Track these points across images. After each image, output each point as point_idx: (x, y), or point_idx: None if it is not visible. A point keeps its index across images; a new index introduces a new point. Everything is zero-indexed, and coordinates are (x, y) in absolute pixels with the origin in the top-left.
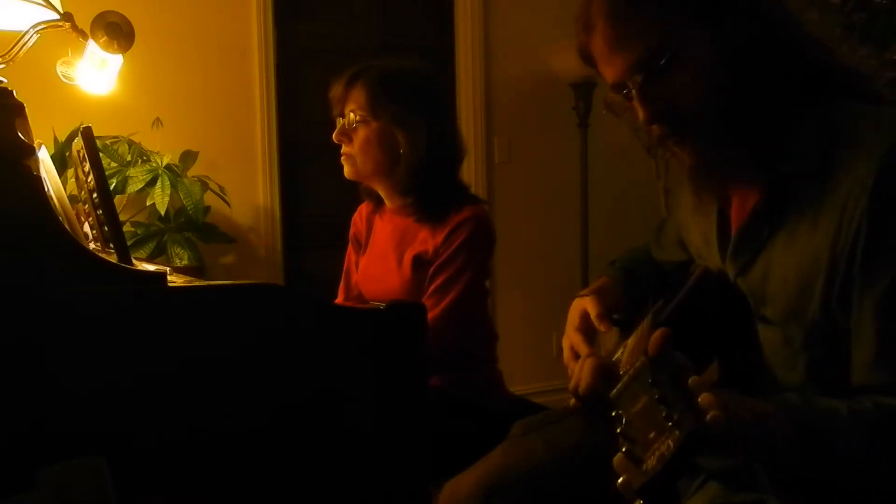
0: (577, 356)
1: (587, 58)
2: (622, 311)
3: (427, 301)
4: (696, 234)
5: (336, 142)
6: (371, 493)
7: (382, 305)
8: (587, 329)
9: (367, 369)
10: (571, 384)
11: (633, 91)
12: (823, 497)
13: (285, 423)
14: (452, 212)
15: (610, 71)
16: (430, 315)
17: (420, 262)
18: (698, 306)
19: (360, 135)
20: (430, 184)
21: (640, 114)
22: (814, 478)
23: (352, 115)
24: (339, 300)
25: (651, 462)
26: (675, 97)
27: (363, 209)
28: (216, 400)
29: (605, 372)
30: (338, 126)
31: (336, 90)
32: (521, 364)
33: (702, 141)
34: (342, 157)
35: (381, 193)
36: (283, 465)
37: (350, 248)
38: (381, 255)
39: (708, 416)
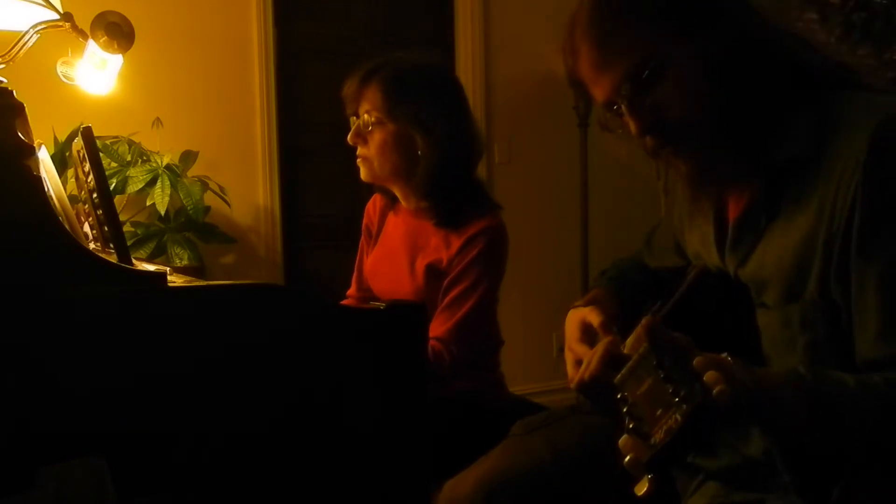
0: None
1: (576, 83)
2: (618, 319)
3: (440, 315)
4: (694, 237)
5: (351, 144)
6: (371, 493)
7: (382, 305)
8: (589, 339)
9: (367, 369)
10: (580, 372)
11: (623, 105)
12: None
13: (285, 423)
14: (469, 218)
15: (599, 91)
16: (443, 329)
17: (434, 273)
18: (696, 302)
19: (377, 137)
20: (448, 186)
21: (632, 127)
22: (817, 452)
23: (367, 115)
24: (351, 291)
25: (659, 435)
26: (664, 108)
27: (377, 199)
28: (215, 400)
29: (612, 361)
30: (352, 126)
31: (349, 88)
32: (522, 364)
33: (695, 149)
34: (358, 160)
35: (398, 195)
36: (282, 465)
37: (362, 239)
38: (393, 254)
39: (714, 391)
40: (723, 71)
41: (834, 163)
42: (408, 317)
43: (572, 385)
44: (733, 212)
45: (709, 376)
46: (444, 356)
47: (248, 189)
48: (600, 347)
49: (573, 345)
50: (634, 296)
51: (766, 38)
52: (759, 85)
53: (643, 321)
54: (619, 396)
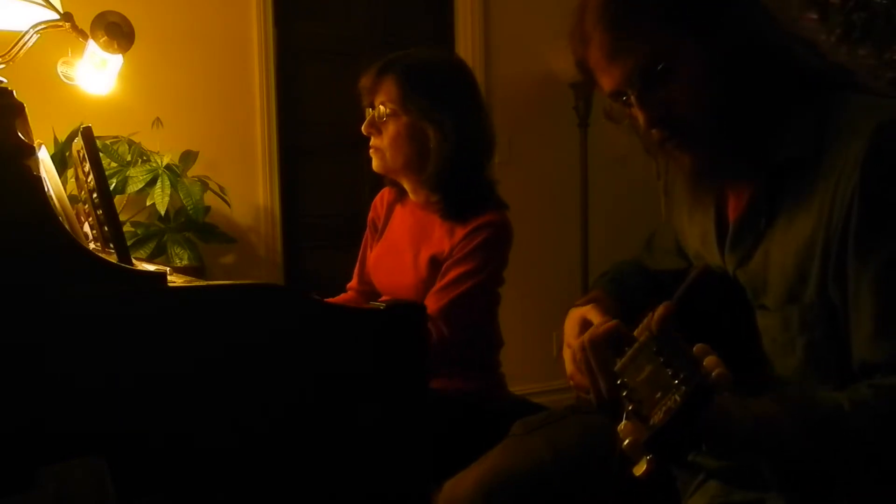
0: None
1: (584, 69)
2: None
3: (434, 294)
4: (694, 236)
5: (365, 134)
6: (371, 493)
7: (382, 306)
8: None
9: (367, 369)
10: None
11: (632, 98)
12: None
13: (284, 423)
14: (475, 213)
15: (608, 80)
16: (434, 307)
17: (437, 264)
18: (698, 301)
19: (391, 129)
20: (458, 181)
21: (640, 119)
22: (822, 471)
23: (382, 107)
24: (352, 283)
25: (658, 416)
26: (673, 102)
27: (385, 194)
28: (215, 399)
29: (616, 338)
30: (367, 117)
31: (366, 80)
32: (522, 364)
33: (701, 144)
34: (370, 150)
35: (407, 187)
36: (281, 466)
37: (367, 233)
38: (397, 247)
39: (714, 374)
40: (729, 70)
41: (834, 164)
42: (408, 317)
43: (568, 374)
44: (733, 211)
45: (709, 361)
46: (430, 332)
47: (248, 189)
48: (610, 321)
49: (572, 341)
50: (633, 298)
51: (771, 39)
52: (763, 85)
53: (663, 306)
54: (618, 382)
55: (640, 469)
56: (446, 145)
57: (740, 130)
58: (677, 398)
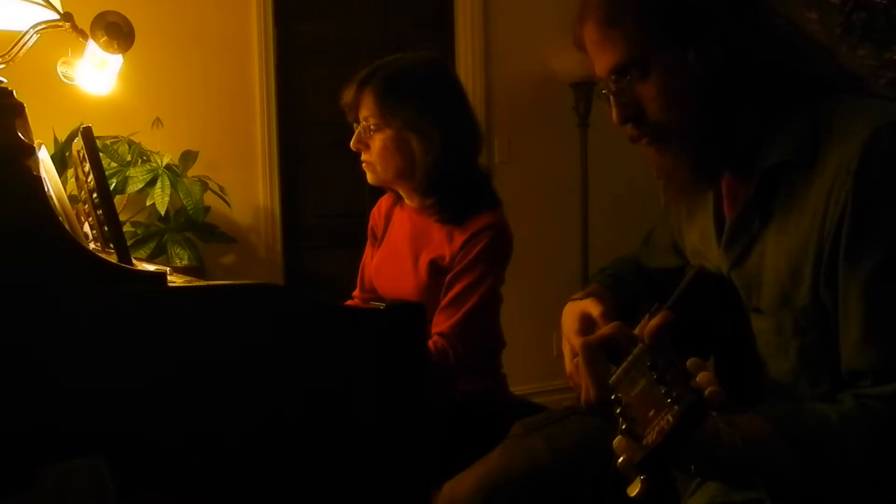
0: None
1: (581, 46)
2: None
3: (443, 311)
4: (693, 233)
5: (353, 150)
6: (370, 492)
7: (382, 305)
8: (588, 332)
9: (367, 369)
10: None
11: (609, 91)
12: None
13: (284, 423)
14: (472, 215)
15: (597, 66)
16: (446, 325)
17: (436, 269)
18: (694, 303)
19: (377, 142)
20: (449, 183)
21: (613, 114)
22: (816, 488)
23: (365, 121)
24: (355, 292)
25: (651, 436)
26: (646, 106)
27: (382, 202)
28: (215, 399)
29: (617, 341)
30: (355, 132)
31: (347, 96)
32: (522, 364)
33: (667, 147)
34: (363, 164)
35: (403, 194)
36: (282, 465)
37: (368, 242)
38: (397, 253)
39: (706, 392)
40: (705, 84)
41: (828, 169)
42: (408, 317)
43: (568, 372)
44: (729, 210)
45: (702, 377)
46: (448, 352)
47: (248, 189)
48: (609, 323)
49: (572, 337)
50: (630, 296)
51: (755, 54)
52: (741, 97)
53: (658, 315)
54: (613, 398)
55: (634, 489)
56: (432, 152)
57: (711, 140)
58: (670, 418)
